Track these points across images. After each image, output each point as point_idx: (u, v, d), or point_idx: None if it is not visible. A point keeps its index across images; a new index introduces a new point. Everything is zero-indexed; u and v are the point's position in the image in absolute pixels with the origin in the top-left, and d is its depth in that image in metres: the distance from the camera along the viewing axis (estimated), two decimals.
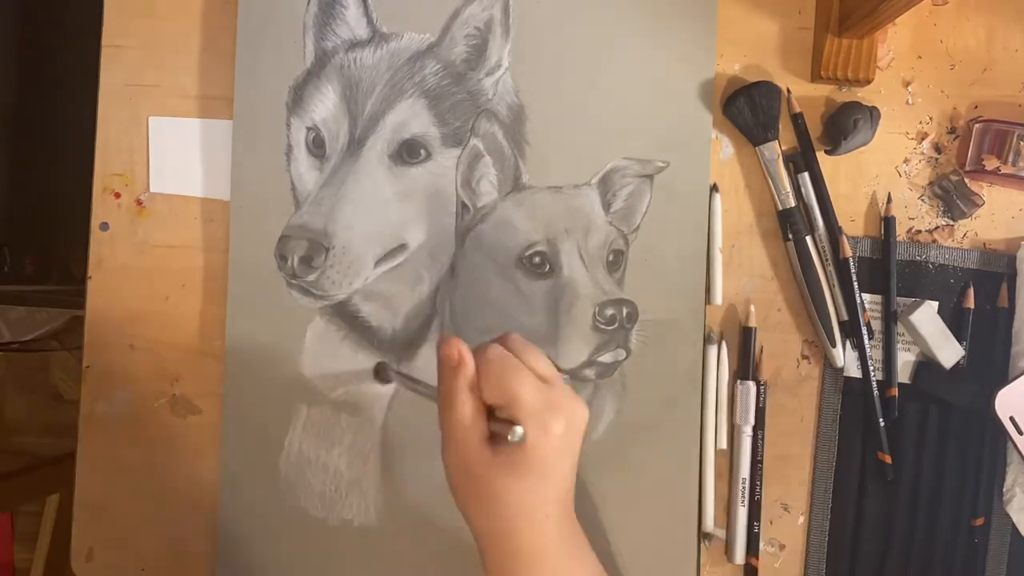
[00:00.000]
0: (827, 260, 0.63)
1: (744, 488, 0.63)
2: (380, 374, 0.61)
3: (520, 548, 0.46)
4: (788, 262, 0.64)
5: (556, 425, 0.45)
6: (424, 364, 0.62)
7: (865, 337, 0.63)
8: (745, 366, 0.63)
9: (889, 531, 0.64)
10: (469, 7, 0.62)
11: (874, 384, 0.63)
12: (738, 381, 0.63)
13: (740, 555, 0.63)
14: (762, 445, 0.63)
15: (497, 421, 0.46)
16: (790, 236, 0.63)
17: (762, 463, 0.63)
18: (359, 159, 0.61)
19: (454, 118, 0.62)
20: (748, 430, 0.63)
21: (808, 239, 0.63)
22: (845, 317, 0.63)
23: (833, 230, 0.63)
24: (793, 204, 0.63)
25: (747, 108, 0.62)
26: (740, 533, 0.63)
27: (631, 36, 0.63)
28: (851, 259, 0.63)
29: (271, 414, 0.62)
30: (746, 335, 0.64)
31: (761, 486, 0.63)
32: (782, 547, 0.65)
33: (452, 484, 0.47)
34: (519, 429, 0.43)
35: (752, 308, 0.64)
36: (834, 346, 0.63)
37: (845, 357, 0.63)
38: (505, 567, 0.47)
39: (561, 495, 0.47)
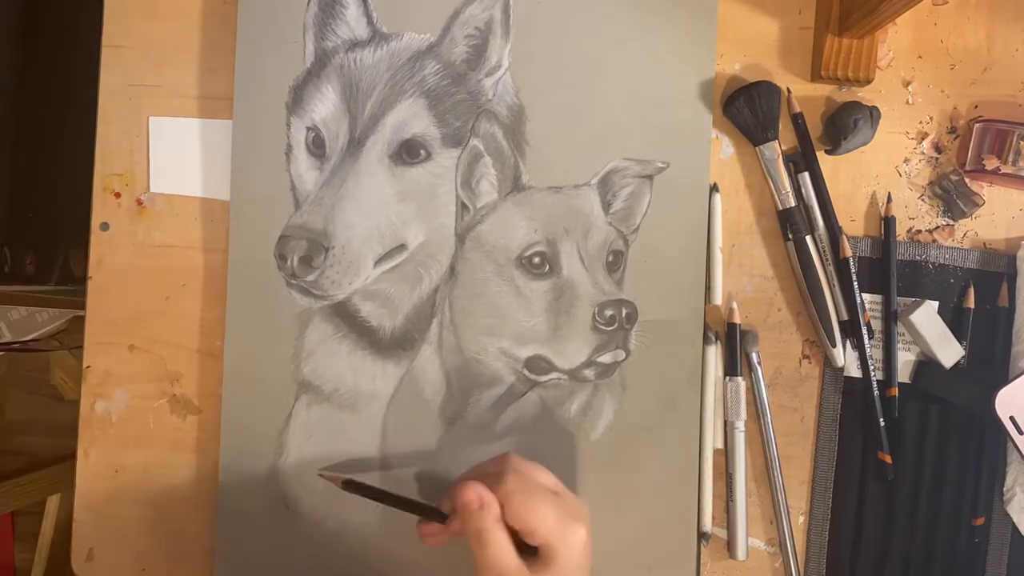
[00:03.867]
0: (827, 260, 0.63)
1: (737, 484, 0.63)
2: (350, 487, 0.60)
3: None
4: (788, 262, 0.64)
5: (580, 531, 0.50)
6: (424, 363, 0.62)
7: (865, 337, 0.63)
8: (733, 362, 0.63)
9: (889, 531, 0.64)
10: (469, 7, 0.62)
11: (874, 384, 0.63)
12: (727, 377, 0.63)
13: (742, 552, 0.63)
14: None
15: (519, 542, 0.50)
16: (790, 236, 0.63)
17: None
18: (359, 159, 0.61)
19: (454, 118, 0.62)
20: (740, 425, 0.63)
21: (808, 239, 0.63)
22: (845, 317, 0.63)
23: (833, 230, 0.63)
24: (793, 204, 0.63)
25: (747, 108, 0.62)
26: (740, 530, 0.63)
27: (631, 36, 0.63)
28: (851, 259, 0.63)
29: (271, 414, 0.62)
30: (731, 331, 0.64)
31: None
32: (782, 547, 0.65)
33: None
34: None
35: (734, 305, 0.64)
36: (834, 346, 0.63)
37: (845, 357, 0.63)
38: None
39: None
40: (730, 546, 0.64)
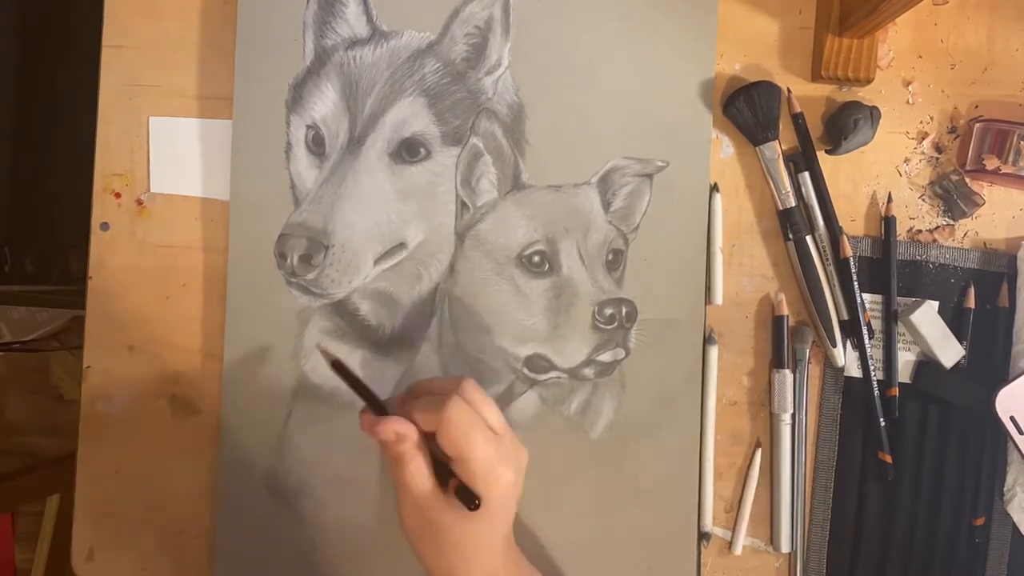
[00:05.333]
0: (828, 260, 0.63)
1: (782, 477, 0.63)
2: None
3: None
4: (788, 262, 0.64)
5: (506, 475, 0.50)
6: (424, 361, 0.62)
7: (865, 337, 0.63)
8: (780, 354, 0.63)
9: (889, 531, 0.64)
10: (469, 6, 0.62)
11: (875, 384, 0.63)
12: (774, 370, 0.63)
13: (786, 544, 0.63)
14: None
15: (445, 468, 0.50)
16: (790, 236, 0.63)
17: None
18: (359, 157, 0.61)
19: (454, 117, 0.62)
20: (786, 418, 0.63)
21: (808, 239, 0.63)
22: (845, 316, 0.63)
23: (834, 230, 0.63)
24: (793, 204, 0.63)
25: (747, 108, 0.62)
26: (785, 524, 0.64)
27: (631, 36, 0.63)
28: (851, 259, 0.63)
29: (271, 413, 0.62)
30: (777, 323, 0.63)
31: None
32: None
33: (406, 529, 0.51)
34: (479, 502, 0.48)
35: (782, 296, 0.64)
36: (835, 346, 0.63)
37: (846, 357, 0.63)
38: None
39: (506, 530, 0.52)
40: (774, 539, 0.64)
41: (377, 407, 0.52)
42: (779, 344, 0.64)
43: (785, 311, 0.64)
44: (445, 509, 0.49)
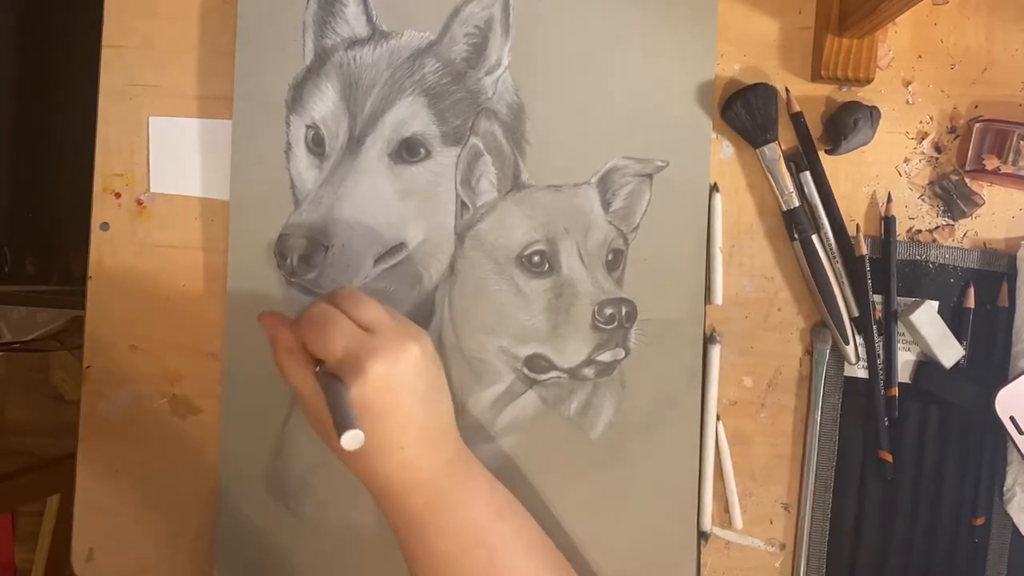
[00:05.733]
0: (835, 258, 0.63)
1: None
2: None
3: (384, 486, 0.50)
4: (789, 261, 0.64)
5: (375, 368, 0.47)
6: None
7: (875, 334, 0.63)
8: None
9: (889, 531, 0.64)
10: (469, 5, 0.62)
11: (880, 380, 0.63)
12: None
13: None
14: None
15: (326, 376, 0.48)
16: (795, 236, 0.63)
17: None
18: (359, 157, 0.61)
19: (454, 116, 0.62)
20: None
21: (814, 238, 0.63)
22: (855, 314, 0.63)
23: (839, 228, 0.63)
24: (797, 204, 0.63)
25: (744, 111, 0.62)
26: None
27: (631, 35, 0.63)
28: (865, 257, 0.63)
29: (271, 414, 0.62)
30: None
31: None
32: (782, 547, 0.65)
33: (320, 439, 0.50)
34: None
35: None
36: (847, 343, 0.63)
37: (858, 354, 0.63)
38: (382, 506, 0.51)
39: (415, 429, 0.49)
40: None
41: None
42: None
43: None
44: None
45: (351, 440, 0.44)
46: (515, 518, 0.54)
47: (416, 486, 0.50)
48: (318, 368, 0.49)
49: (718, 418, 0.64)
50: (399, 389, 0.48)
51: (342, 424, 0.44)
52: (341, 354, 0.48)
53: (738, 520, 0.64)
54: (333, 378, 0.48)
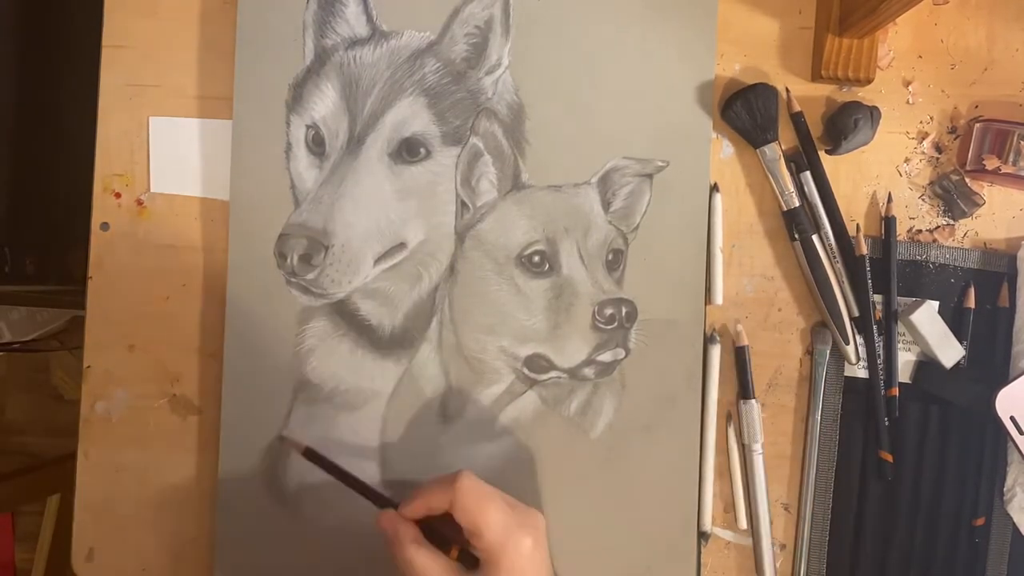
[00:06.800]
0: (835, 258, 0.63)
1: (760, 506, 0.63)
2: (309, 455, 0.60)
3: None
4: (789, 261, 0.64)
5: (525, 542, 0.50)
6: (424, 361, 0.62)
7: (875, 334, 0.63)
8: (745, 385, 0.63)
9: (890, 531, 0.64)
10: (469, 5, 0.62)
11: (880, 380, 0.63)
12: (740, 401, 0.63)
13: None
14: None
15: (444, 542, 0.51)
16: (795, 236, 0.63)
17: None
18: (359, 157, 0.61)
19: (454, 116, 0.62)
20: (758, 448, 0.63)
21: (815, 237, 0.63)
22: (856, 314, 0.63)
23: (839, 228, 0.63)
24: (797, 204, 0.63)
25: (744, 112, 0.62)
26: (767, 552, 0.63)
27: (631, 35, 0.63)
28: (866, 256, 0.62)
29: (271, 414, 0.62)
30: (740, 354, 0.63)
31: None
32: (782, 547, 0.65)
33: None
34: None
35: (740, 328, 0.63)
36: (847, 343, 0.63)
37: (858, 354, 0.63)
38: None
39: None
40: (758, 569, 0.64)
41: (380, 499, 0.54)
42: (743, 375, 0.63)
43: (745, 342, 0.63)
44: None
45: None
46: None
47: None
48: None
49: (728, 419, 0.64)
50: (541, 564, 0.51)
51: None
52: (497, 528, 0.49)
53: (743, 520, 0.64)
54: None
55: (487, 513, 0.49)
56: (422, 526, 0.53)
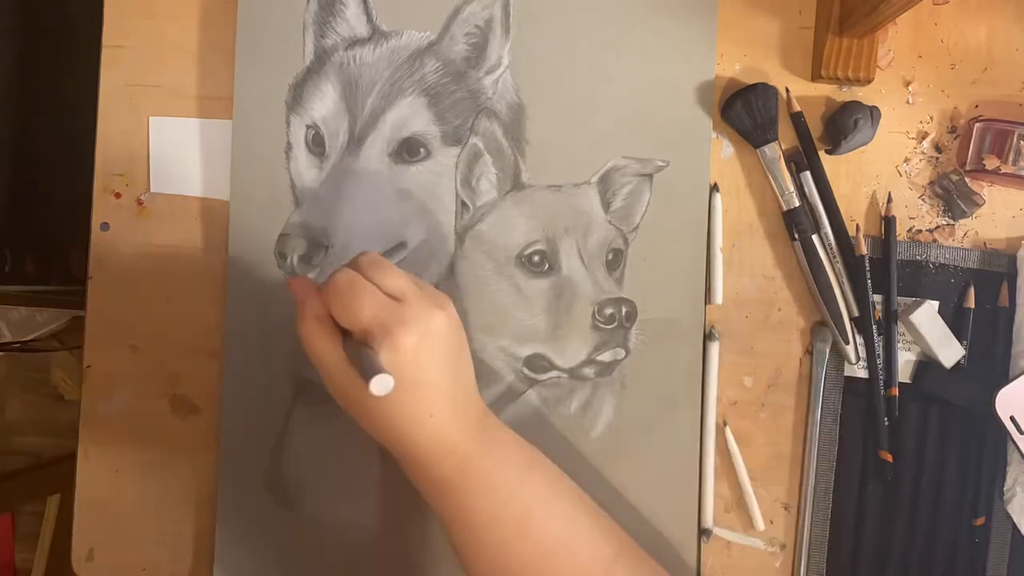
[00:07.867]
0: (835, 258, 0.63)
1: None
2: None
3: (415, 454, 0.49)
4: (789, 261, 0.64)
5: (406, 339, 0.46)
6: None
7: (875, 334, 0.63)
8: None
9: (890, 530, 0.64)
10: (469, 5, 0.62)
11: (880, 380, 0.63)
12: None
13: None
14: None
15: (355, 344, 0.47)
16: (795, 236, 0.63)
17: None
18: (359, 157, 0.61)
19: (454, 116, 0.62)
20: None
21: (814, 237, 0.63)
22: (856, 314, 0.63)
23: (839, 228, 0.63)
24: (797, 204, 0.63)
25: (744, 112, 0.62)
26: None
27: (632, 35, 0.63)
28: (865, 256, 0.63)
29: (271, 414, 0.62)
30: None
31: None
32: (782, 547, 0.65)
33: (345, 410, 0.50)
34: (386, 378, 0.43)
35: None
36: (847, 343, 0.63)
37: (858, 354, 0.63)
38: (410, 472, 0.51)
39: (444, 396, 0.49)
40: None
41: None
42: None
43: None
44: (358, 385, 0.46)
45: (381, 384, 0.43)
46: (545, 468, 0.54)
47: (448, 452, 0.49)
48: (346, 338, 0.48)
49: (725, 423, 0.64)
50: (428, 359, 0.48)
51: (370, 370, 0.43)
52: (369, 323, 0.46)
53: (759, 521, 0.64)
54: (362, 346, 0.47)
55: (359, 310, 0.46)
56: None
